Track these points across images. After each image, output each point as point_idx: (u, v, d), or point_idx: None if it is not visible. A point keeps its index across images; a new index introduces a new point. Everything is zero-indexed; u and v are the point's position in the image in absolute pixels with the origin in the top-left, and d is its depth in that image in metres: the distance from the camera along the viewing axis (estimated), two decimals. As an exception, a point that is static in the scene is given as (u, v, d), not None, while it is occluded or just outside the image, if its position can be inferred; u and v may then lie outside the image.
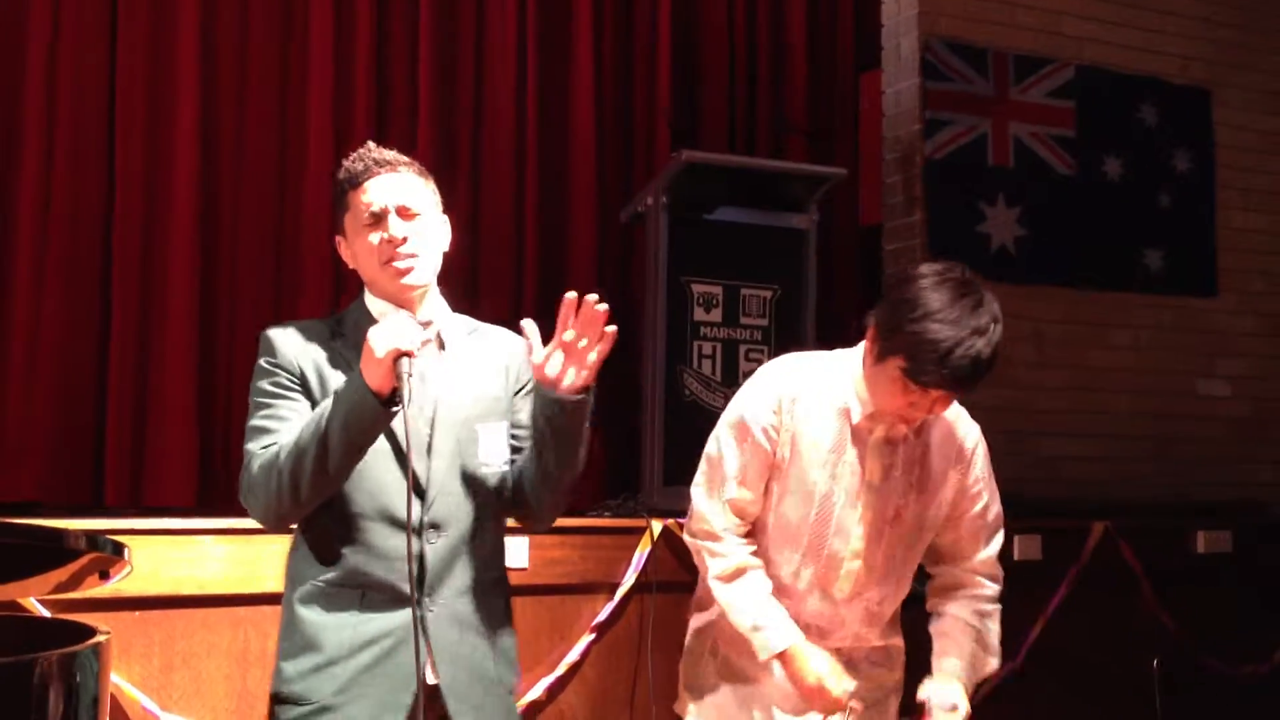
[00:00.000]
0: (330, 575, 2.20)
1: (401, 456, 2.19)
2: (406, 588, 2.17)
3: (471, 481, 2.26)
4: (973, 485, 2.53)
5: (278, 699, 2.23)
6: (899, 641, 2.62)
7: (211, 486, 4.00)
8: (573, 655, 3.73)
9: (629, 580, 3.74)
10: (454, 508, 2.24)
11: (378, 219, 2.25)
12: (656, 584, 3.74)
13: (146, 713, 3.20)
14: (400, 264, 2.24)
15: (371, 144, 2.33)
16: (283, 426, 2.18)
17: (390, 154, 2.31)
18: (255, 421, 2.21)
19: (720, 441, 2.50)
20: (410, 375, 2.07)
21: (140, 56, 4.04)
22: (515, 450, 2.34)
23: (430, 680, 2.20)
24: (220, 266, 4.13)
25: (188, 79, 4.07)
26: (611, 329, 2.15)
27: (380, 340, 2.06)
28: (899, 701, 2.61)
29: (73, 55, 3.96)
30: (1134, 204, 5.45)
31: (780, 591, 2.45)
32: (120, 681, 3.13)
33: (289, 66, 4.28)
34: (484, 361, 2.35)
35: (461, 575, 2.24)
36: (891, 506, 2.45)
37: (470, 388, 2.28)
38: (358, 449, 2.13)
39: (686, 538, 2.58)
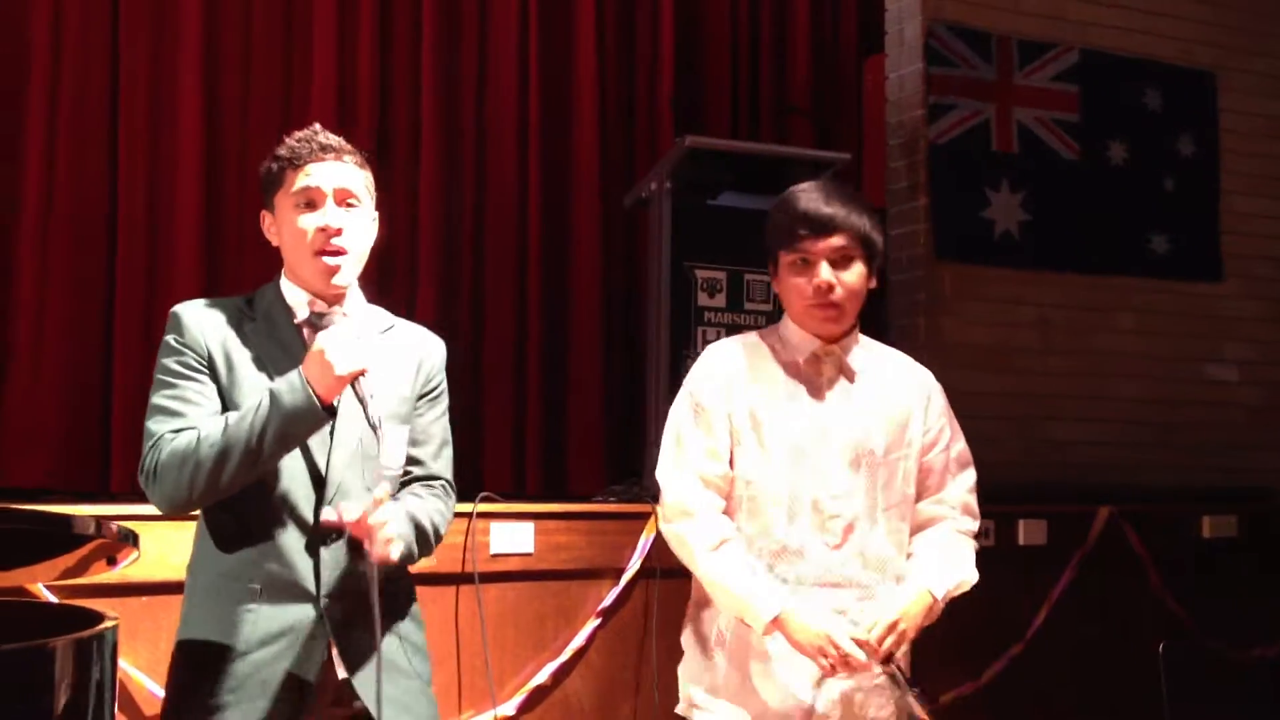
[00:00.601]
0: (228, 568, 2.20)
1: (307, 451, 2.20)
2: (305, 584, 2.19)
3: (372, 481, 2.24)
4: (935, 421, 2.59)
5: (177, 690, 2.22)
6: None
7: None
8: (578, 640, 3.73)
9: (634, 565, 3.74)
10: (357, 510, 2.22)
11: (313, 203, 2.24)
12: (661, 569, 3.74)
13: (153, 696, 3.21)
14: (330, 260, 2.23)
15: (318, 126, 2.32)
16: (190, 411, 2.16)
17: (335, 140, 2.30)
18: (160, 401, 2.19)
19: (678, 424, 2.53)
20: (372, 396, 2.10)
21: (143, 22, 4.03)
22: (411, 460, 2.36)
23: (341, 675, 2.20)
24: (226, 251, 4.13)
25: (190, 65, 4.07)
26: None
27: (340, 357, 2.06)
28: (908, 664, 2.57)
29: (77, 32, 3.95)
30: (1138, 188, 5.43)
31: (779, 555, 2.44)
32: (127, 666, 3.15)
33: (292, 52, 4.27)
34: (396, 359, 2.33)
35: (361, 572, 2.21)
36: (862, 442, 2.47)
37: (382, 384, 2.26)
38: (290, 450, 2.14)
39: (663, 527, 2.56)
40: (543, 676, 3.67)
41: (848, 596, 2.44)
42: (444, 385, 2.44)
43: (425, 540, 2.32)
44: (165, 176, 4.04)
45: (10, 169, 3.86)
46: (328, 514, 2.16)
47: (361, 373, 2.09)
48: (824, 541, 2.44)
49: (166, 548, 3.23)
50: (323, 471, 2.21)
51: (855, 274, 2.46)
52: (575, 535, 3.72)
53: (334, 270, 2.23)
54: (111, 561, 2.25)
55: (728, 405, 2.48)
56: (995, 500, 4.65)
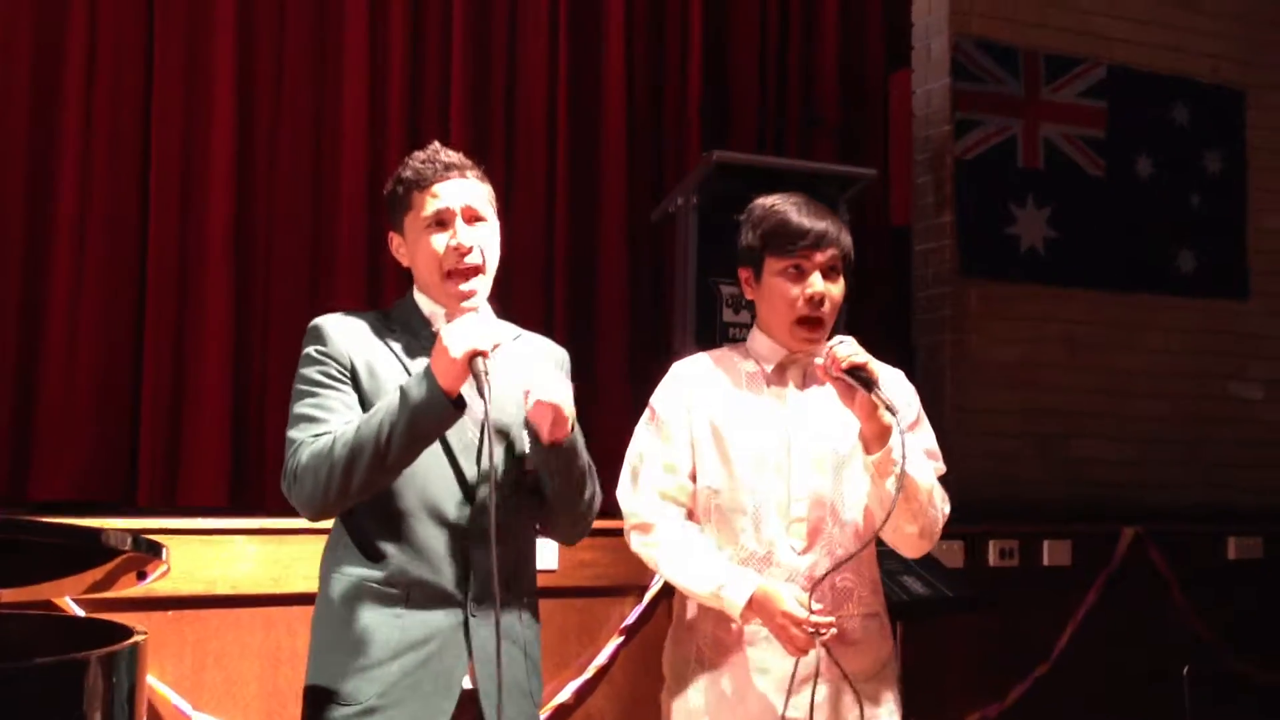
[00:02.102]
0: (374, 573, 2.19)
1: (452, 455, 2.21)
2: (452, 589, 2.19)
3: (516, 487, 2.27)
4: (905, 415, 2.49)
5: (319, 696, 2.20)
6: (882, 610, 2.57)
7: (244, 487, 4.01)
8: (601, 658, 3.73)
9: (658, 583, 3.73)
10: (500, 512, 2.21)
11: (444, 222, 2.25)
12: (685, 586, 3.73)
13: (178, 712, 3.22)
14: (465, 285, 2.24)
15: (438, 144, 2.33)
16: (331, 417, 2.17)
17: (457, 157, 2.31)
18: (302, 409, 2.20)
19: (638, 441, 2.54)
20: (487, 374, 2.07)
21: (177, 44, 4.06)
22: None
23: (466, 685, 2.20)
24: (255, 266, 4.14)
25: (224, 71, 4.09)
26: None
27: (456, 339, 2.06)
28: (897, 675, 2.56)
29: (112, 39, 3.98)
30: (1165, 205, 5.42)
31: (748, 562, 2.43)
32: (153, 681, 3.15)
33: (324, 63, 4.29)
34: (535, 363, 2.33)
35: (503, 581, 2.20)
36: (826, 444, 2.46)
37: (516, 394, 2.25)
38: (420, 446, 2.13)
39: (631, 547, 2.55)
40: (566, 694, 3.67)
41: (822, 599, 2.41)
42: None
43: (584, 466, 2.30)
44: (197, 193, 4.05)
45: (45, 175, 3.88)
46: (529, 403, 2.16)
47: (480, 353, 2.07)
48: (790, 545, 2.43)
49: (194, 562, 3.25)
50: (472, 481, 2.22)
51: (839, 289, 2.49)
52: (599, 552, 3.72)
53: (468, 295, 2.25)
54: (141, 575, 2.26)
55: (688, 418, 2.50)
56: (1020, 520, 4.66)
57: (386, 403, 2.10)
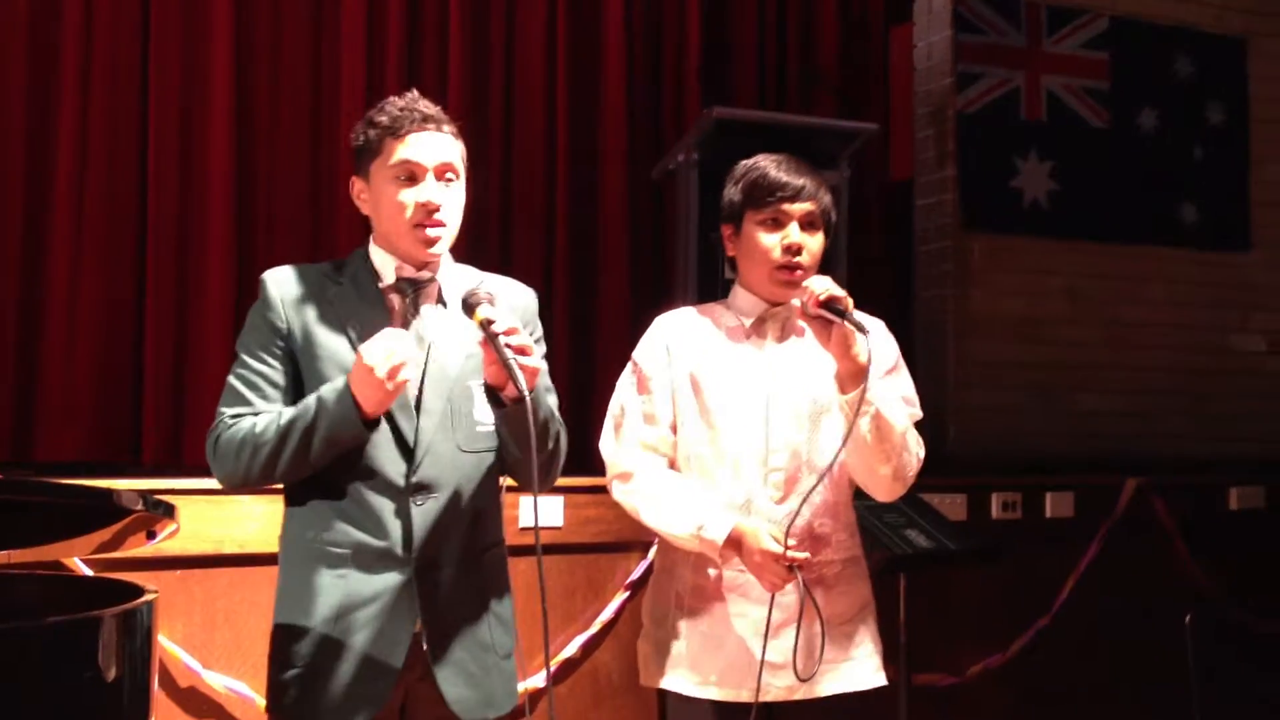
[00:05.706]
0: (319, 535, 2.20)
1: (390, 414, 2.19)
2: (396, 549, 2.18)
3: (465, 441, 2.24)
4: (881, 361, 2.50)
5: (275, 658, 2.23)
6: (860, 553, 2.61)
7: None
8: (607, 613, 3.76)
9: (663, 538, 3.75)
10: (444, 468, 2.21)
11: (414, 176, 2.22)
12: (690, 541, 3.75)
13: (189, 670, 3.25)
14: (431, 232, 2.22)
15: (417, 94, 2.30)
16: (253, 397, 2.20)
17: (435, 110, 2.28)
18: (233, 379, 2.24)
19: (620, 393, 2.59)
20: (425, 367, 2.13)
21: (174, 14, 4.03)
22: None
23: (422, 646, 2.20)
24: (257, 225, 4.12)
25: (222, 31, 4.05)
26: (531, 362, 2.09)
27: (381, 360, 2.04)
28: (876, 617, 2.61)
29: (109, 13, 3.95)
30: (1168, 157, 5.40)
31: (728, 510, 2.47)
32: (163, 640, 3.18)
33: (321, 24, 4.26)
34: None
35: (453, 538, 2.22)
36: (805, 396, 2.51)
37: (466, 344, 2.24)
38: (338, 452, 2.15)
39: (614, 496, 2.59)
40: (572, 649, 3.70)
41: (800, 545, 2.44)
42: (540, 332, 2.40)
43: (544, 419, 2.23)
44: (197, 151, 4.03)
45: (44, 144, 3.86)
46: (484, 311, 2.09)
47: (400, 381, 2.07)
48: (768, 495, 2.48)
49: (201, 522, 3.27)
50: (409, 438, 2.20)
51: (819, 242, 2.54)
52: (604, 509, 3.73)
53: (433, 241, 2.23)
54: (150, 535, 2.27)
55: (669, 371, 2.54)
56: (1022, 472, 4.68)
57: (307, 408, 2.12)
